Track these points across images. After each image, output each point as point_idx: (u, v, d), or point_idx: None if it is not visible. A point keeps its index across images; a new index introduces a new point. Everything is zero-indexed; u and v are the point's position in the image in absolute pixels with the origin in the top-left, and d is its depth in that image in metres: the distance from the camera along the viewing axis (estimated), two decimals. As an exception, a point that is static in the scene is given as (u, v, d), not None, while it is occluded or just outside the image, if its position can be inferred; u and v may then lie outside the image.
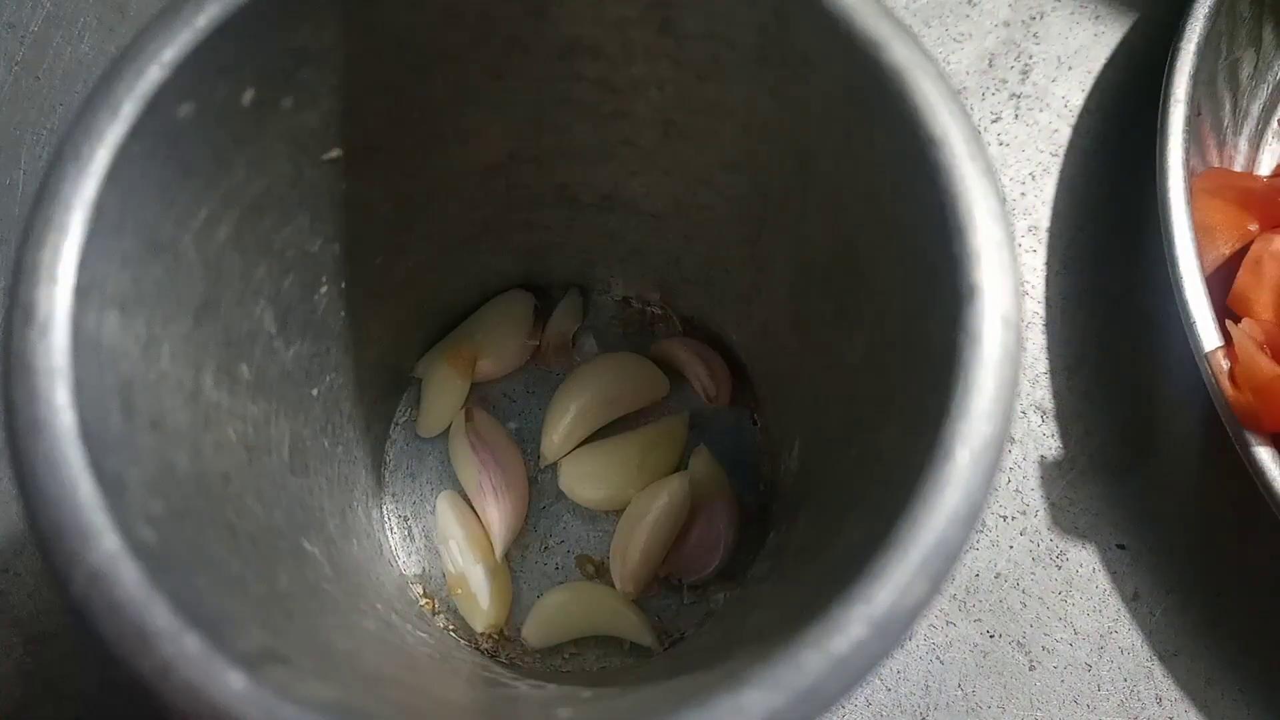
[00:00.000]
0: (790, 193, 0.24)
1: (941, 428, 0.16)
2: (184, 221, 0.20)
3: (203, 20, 0.19)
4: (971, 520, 0.16)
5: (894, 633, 0.16)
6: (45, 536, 0.16)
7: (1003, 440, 0.16)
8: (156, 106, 0.18)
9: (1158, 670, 0.33)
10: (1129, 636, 0.34)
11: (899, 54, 0.18)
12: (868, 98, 0.19)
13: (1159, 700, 0.33)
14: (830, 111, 0.21)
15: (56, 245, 0.17)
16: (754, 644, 0.19)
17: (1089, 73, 0.39)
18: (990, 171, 0.18)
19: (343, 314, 0.28)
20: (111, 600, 0.16)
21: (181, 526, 0.18)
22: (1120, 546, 0.34)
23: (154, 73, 0.18)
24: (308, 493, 0.27)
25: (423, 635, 0.28)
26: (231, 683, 0.15)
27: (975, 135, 0.18)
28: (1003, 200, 0.18)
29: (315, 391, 0.28)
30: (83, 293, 0.17)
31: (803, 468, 0.28)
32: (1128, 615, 0.34)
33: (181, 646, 0.15)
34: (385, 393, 0.33)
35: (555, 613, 0.31)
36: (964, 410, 0.16)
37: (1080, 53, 0.39)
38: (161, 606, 0.16)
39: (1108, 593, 0.34)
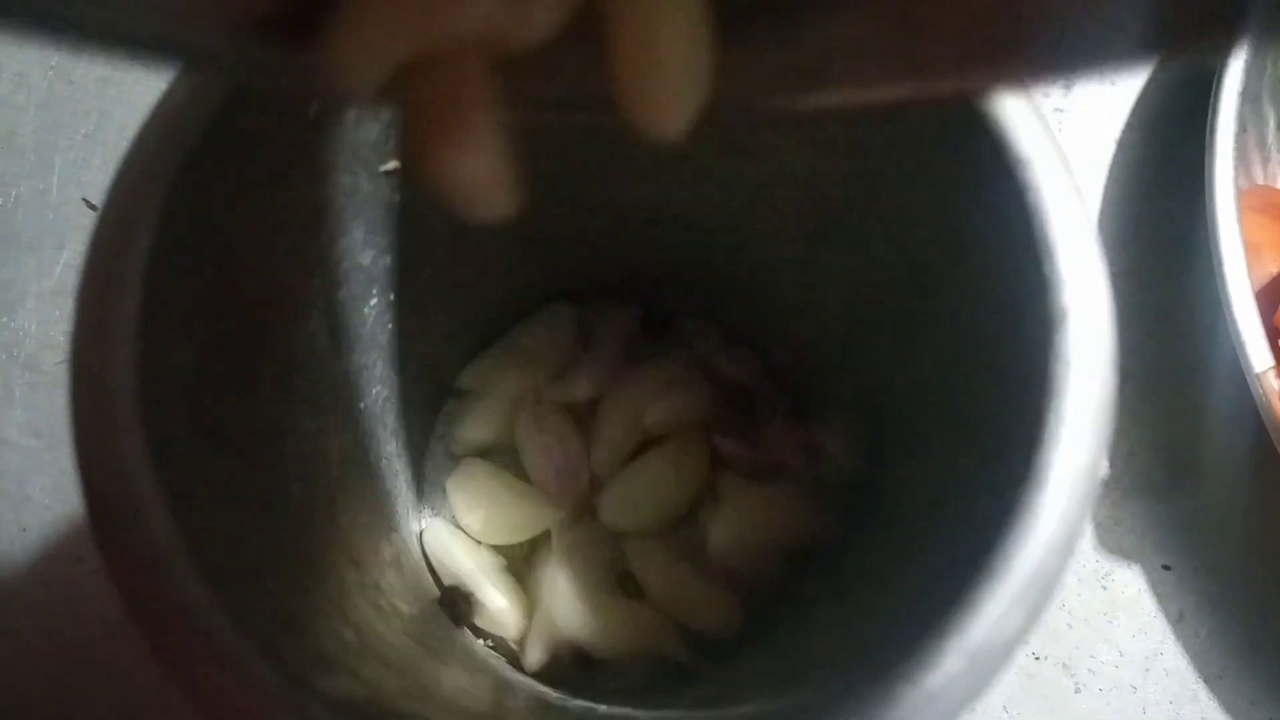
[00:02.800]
0: (852, 209, 0.24)
1: (1035, 455, 0.16)
2: (246, 233, 0.20)
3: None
4: (1067, 550, 0.16)
5: (989, 666, 0.15)
6: (111, 554, 0.16)
7: (1097, 467, 0.16)
8: (225, 119, 0.18)
9: (1203, 693, 0.33)
10: (1174, 658, 0.33)
11: (983, 72, 0.18)
12: (948, 117, 0.19)
13: (1205, 724, 0.33)
14: (901, 130, 0.20)
15: (126, 256, 0.17)
16: (826, 672, 0.19)
17: (1132, 88, 0.39)
18: (1077, 192, 0.17)
19: (390, 326, 0.27)
20: (179, 624, 0.15)
21: (245, 544, 0.18)
22: (1166, 567, 0.34)
23: (225, 84, 0.18)
24: (355, 510, 0.26)
25: (465, 643, 0.27)
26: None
27: (1061, 155, 0.18)
28: (1091, 221, 0.17)
29: (363, 405, 0.28)
30: (151, 305, 0.17)
31: (855, 489, 0.28)
32: (1173, 637, 0.33)
33: (246, 667, 0.15)
34: (424, 406, 0.33)
35: (591, 627, 0.31)
36: (1057, 437, 0.16)
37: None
38: (226, 623, 0.15)
39: (1153, 614, 0.34)
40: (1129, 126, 0.38)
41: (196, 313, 0.18)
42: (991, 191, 0.18)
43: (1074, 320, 0.17)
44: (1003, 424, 0.18)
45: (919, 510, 0.22)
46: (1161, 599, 0.34)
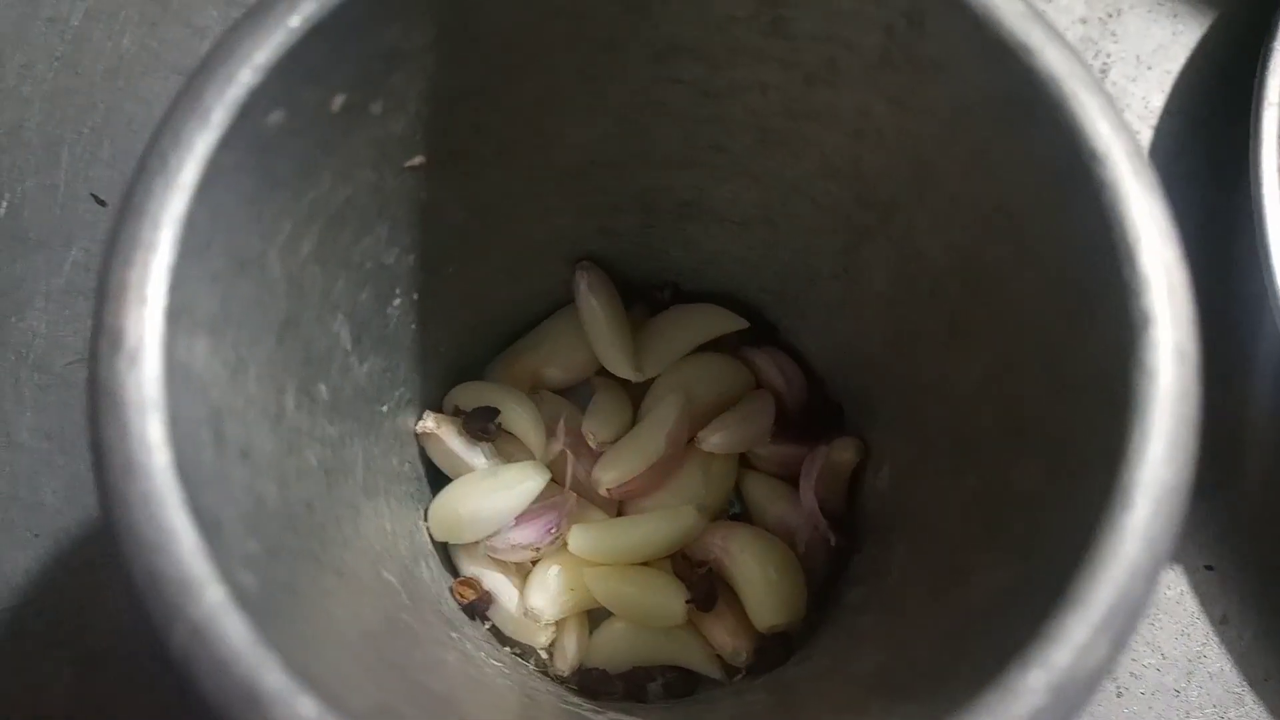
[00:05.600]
0: (899, 203, 0.22)
1: (1118, 473, 0.15)
2: (269, 236, 0.19)
3: (296, 20, 0.17)
4: (1154, 576, 0.15)
5: (1074, 699, 0.14)
6: (142, 586, 0.15)
7: (1186, 486, 0.15)
8: (247, 114, 0.17)
9: (1248, 696, 0.32)
10: (1218, 661, 0.32)
11: (1054, 61, 0.17)
12: (1011, 106, 0.18)
13: (1250, 728, 0.32)
14: (960, 120, 0.19)
15: (146, 264, 0.16)
16: (881, 696, 0.18)
17: (1168, 73, 0.38)
18: (1157, 190, 0.16)
19: (413, 326, 0.26)
20: (217, 657, 0.14)
21: (277, 566, 0.17)
22: (1209, 568, 0.33)
23: (245, 76, 0.17)
24: (380, 516, 0.25)
25: (497, 664, 0.26)
26: (354, 752, 0.14)
27: (1139, 150, 0.17)
28: (1172, 221, 0.16)
29: (385, 408, 0.27)
30: (174, 315, 0.16)
31: (895, 492, 0.27)
32: (1216, 639, 0.33)
33: (296, 710, 0.14)
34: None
35: (619, 637, 0.30)
36: (1142, 454, 0.15)
37: (1159, 51, 0.38)
38: (272, 664, 0.14)
39: (1196, 616, 0.33)
40: (1166, 112, 0.37)
41: (222, 322, 0.17)
42: (1062, 188, 0.17)
43: (1158, 327, 0.16)
44: (1071, 435, 0.17)
45: (971, 521, 0.21)
46: (1205, 600, 0.33)
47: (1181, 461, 0.15)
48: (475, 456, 0.29)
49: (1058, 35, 0.17)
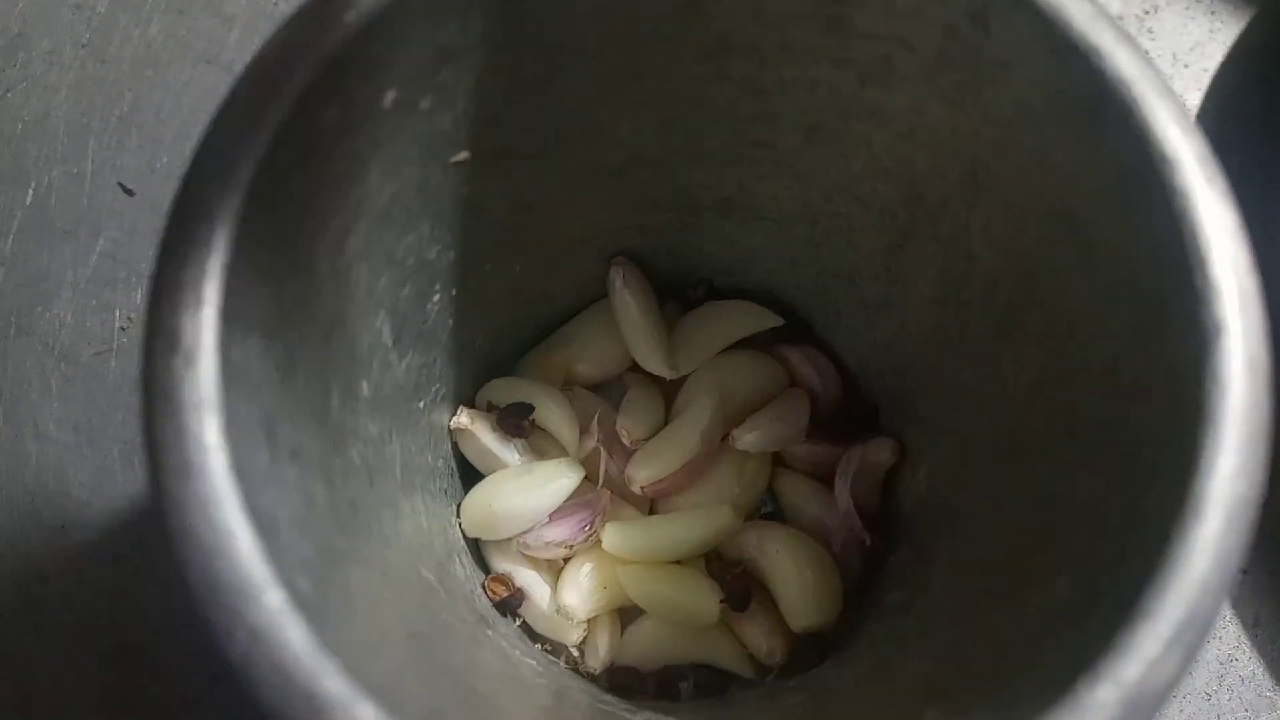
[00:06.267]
0: (950, 204, 0.22)
1: (1190, 484, 0.15)
2: (319, 234, 0.19)
3: (353, 16, 0.17)
4: (1224, 590, 0.15)
5: (1144, 715, 0.14)
6: (199, 591, 0.15)
7: (1258, 500, 0.15)
8: (303, 111, 0.17)
9: (1281, 701, 0.32)
10: (1249, 665, 0.32)
11: (1124, 63, 0.17)
12: (1078, 109, 0.17)
13: (1283, 733, 0.32)
14: (1022, 122, 0.19)
15: (202, 264, 0.16)
16: (935, 704, 0.18)
17: (1205, 71, 0.37)
18: (1229, 197, 0.16)
19: (450, 322, 0.26)
20: (278, 663, 0.14)
21: (329, 568, 0.17)
22: (1241, 571, 0.33)
23: (301, 73, 0.17)
24: (417, 513, 0.25)
25: (531, 663, 0.26)
26: (417, 760, 0.14)
27: (1211, 157, 0.16)
28: (1244, 229, 0.16)
29: (421, 404, 0.26)
30: (229, 316, 0.16)
31: (934, 494, 0.26)
32: (1248, 642, 0.32)
33: (356, 717, 0.14)
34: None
35: (651, 635, 0.29)
36: (1214, 466, 0.15)
37: (1196, 50, 0.38)
38: (333, 670, 0.14)
39: (1227, 619, 0.32)
40: (1203, 111, 0.37)
41: (274, 322, 0.17)
42: (1130, 192, 0.17)
43: (1230, 337, 0.15)
44: (1135, 444, 0.17)
45: (1023, 528, 0.21)
46: (1236, 603, 0.33)
47: (1253, 475, 0.15)
48: (509, 452, 0.29)
49: (1128, 38, 0.17)
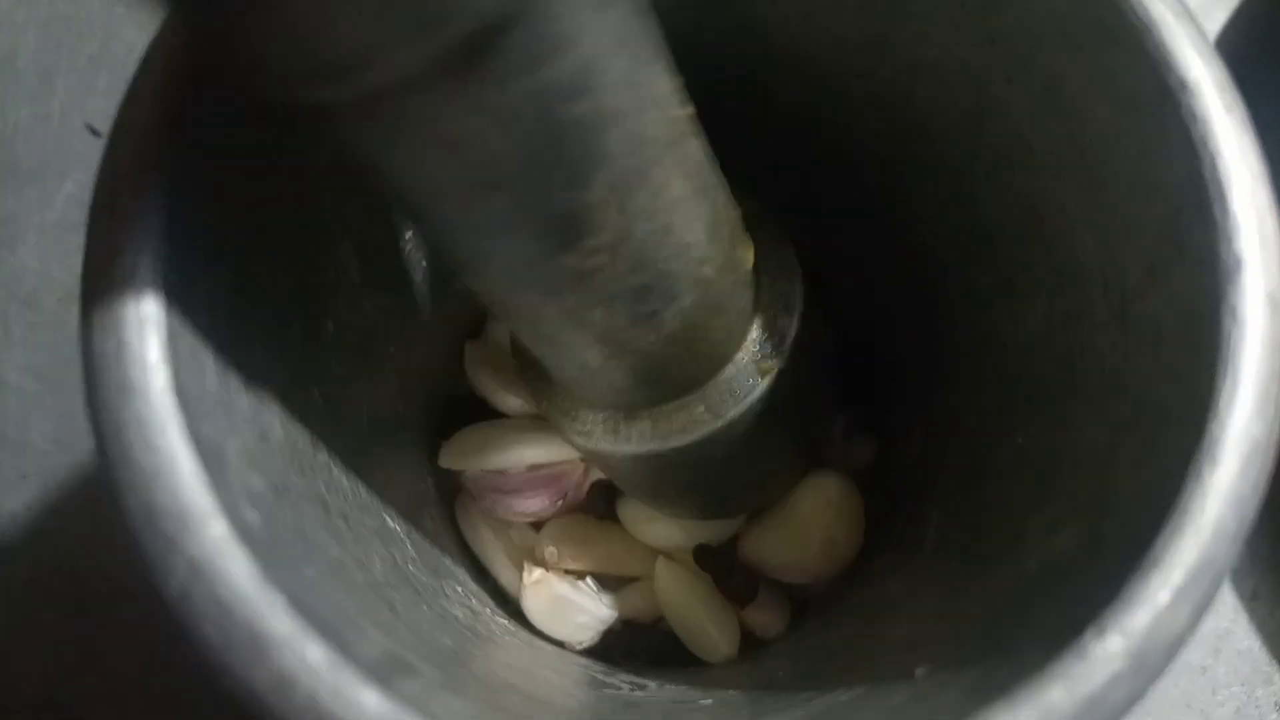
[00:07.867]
0: (952, 143, 0.21)
1: (1205, 426, 0.14)
2: (278, 145, 0.18)
3: None
4: (1239, 537, 0.14)
5: (1152, 667, 0.13)
6: (136, 518, 0.14)
7: (1275, 444, 0.14)
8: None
9: (1277, 675, 0.31)
10: (1247, 638, 0.31)
11: (1142, -18, 0.15)
12: (1092, 33, 0.16)
13: (1278, 706, 0.31)
14: (1032, 52, 0.18)
15: (146, 159, 0.15)
16: (929, 660, 0.17)
17: (1209, 34, 0.36)
18: (1249, 127, 0.15)
19: (424, 264, 0.25)
20: (218, 597, 0.13)
21: (282, 506, 0.16)
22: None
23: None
24: (386, 463, 0.24)
25: (503, 622, 0.25)
26: (367, 702, 0.13)
27: (1231, 83, 0.15)
28: (1264, 161, 0.15)
29: (392, 349, 0.25)
30: (174, 221, 0.15)
31: (926, 455, 0.25)
32: (1245, 615, 0.32)
33: (304, 656, 0.13)
34: (455, 354, 0.30)
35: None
36: (1231, 406, 0.14)
37: (1200, 12, 0.36)
38: (279, 606, 0.13)
39: (1224, 591, 0.32)
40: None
41: (224, 239, 0.16)
42: (1146, 121, 0.16)
43: (1250, 272, 0.14)
44: (1148, 386, 0.16)
45: (1018, 483, 0.20)
46: (1233, 575, 0.32)
47: (1272, 416, 0.14)
48: (511, 399, 0.28)
49: (1146, -46, 0.16)
